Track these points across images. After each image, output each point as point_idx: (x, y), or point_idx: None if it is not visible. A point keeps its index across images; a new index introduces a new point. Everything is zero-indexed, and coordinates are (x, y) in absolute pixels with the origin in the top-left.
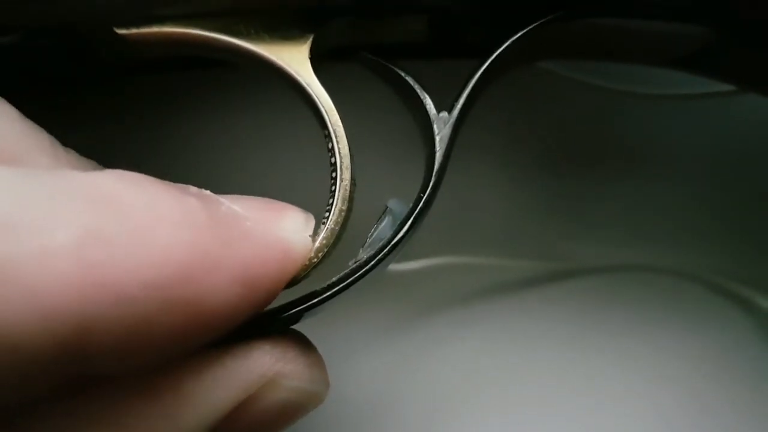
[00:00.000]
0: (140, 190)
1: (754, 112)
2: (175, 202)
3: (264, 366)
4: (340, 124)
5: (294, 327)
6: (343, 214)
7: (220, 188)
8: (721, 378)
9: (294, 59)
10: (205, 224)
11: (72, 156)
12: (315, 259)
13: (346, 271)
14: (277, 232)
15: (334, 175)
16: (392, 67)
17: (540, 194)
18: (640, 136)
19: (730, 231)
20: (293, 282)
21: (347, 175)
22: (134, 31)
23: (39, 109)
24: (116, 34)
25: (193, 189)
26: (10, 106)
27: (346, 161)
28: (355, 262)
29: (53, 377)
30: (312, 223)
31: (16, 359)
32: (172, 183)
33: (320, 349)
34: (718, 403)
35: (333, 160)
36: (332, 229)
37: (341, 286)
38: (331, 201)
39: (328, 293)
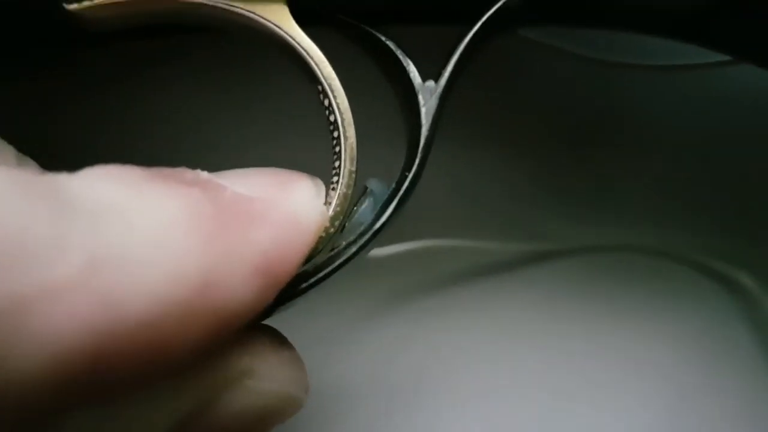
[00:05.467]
0: (138, 191)
1: (745, 86)
2: (177, 199)
3: (229, 365)
4: (334, 76)
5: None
6: (353, 175)
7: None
8: (703, 359)
9: (274, 14)
10: (213, 218)
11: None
12: (332, 229)
13: (324, 259)
14: (289, 207)
15: (336, 134)
16: (371, 30)
17: (521, 173)
18: (623, 111)
19: (712, 208)
20: (311, 256)
21: (351, 131)
22: (87, 4)
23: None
24: (67, 11)
25: (189, 174)
26: None
27: (347, 116)
28: (333, 250)
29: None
30: (323, 189)
31: (21, 401)
32: (163, 170)
33: (293, 341)
34: (699, 385)
35: (332, 117)
36: (344, 194)
37: (318, 276)
38: (337, 163)
39: (304, 285)
